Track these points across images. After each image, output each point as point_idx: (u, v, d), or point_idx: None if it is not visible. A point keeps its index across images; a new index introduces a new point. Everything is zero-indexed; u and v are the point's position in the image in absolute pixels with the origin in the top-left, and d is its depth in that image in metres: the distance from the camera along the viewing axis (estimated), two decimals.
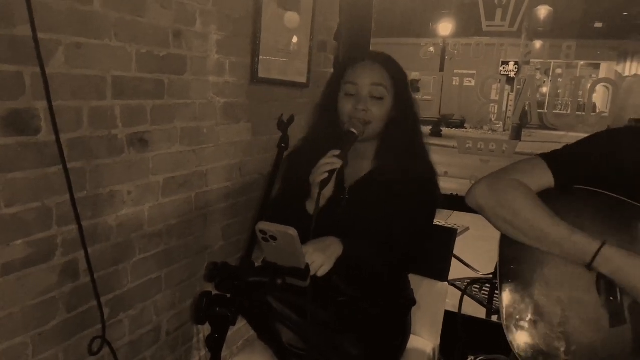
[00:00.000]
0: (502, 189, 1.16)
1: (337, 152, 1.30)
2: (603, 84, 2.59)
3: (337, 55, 2.62)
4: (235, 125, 1.93)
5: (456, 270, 2.37)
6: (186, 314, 1.80)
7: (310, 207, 1.31)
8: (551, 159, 1.18)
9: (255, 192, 2.09)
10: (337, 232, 1.36)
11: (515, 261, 1.17)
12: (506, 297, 1.15)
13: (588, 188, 1.14)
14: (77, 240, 1.33)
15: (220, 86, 1.82)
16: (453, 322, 2.12)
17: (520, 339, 1.12)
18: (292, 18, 2.18)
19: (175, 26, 1.57)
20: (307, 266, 1.05)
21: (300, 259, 1.03)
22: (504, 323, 1.14)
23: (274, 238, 1.00)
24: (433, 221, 1.49)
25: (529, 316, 1.12)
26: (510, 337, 1.13)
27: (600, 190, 1.13)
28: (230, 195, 1.96)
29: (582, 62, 14.47)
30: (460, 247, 2.03)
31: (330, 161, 1.28)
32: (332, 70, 2.61)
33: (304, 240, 1.15)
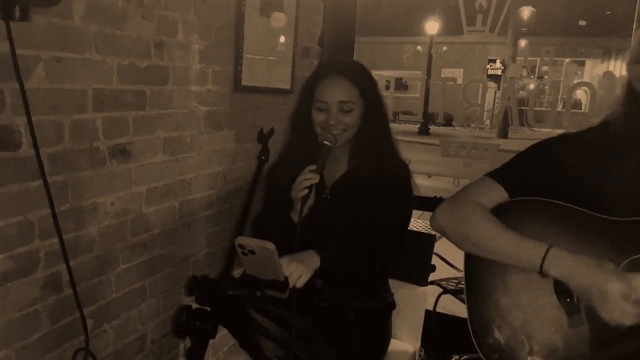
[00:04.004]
0: (459, 210, 1.23)
1: (314, 167, 1.36)
2: (583, 88, 2.64)
3: (321, 60, 2.64)
4: (218, 133, 1.95)
5: (441, 271, 2.42)
6: (171, 321, 1.82)
7: (295, 216, 1.37)
8: (497, 175, 1.24)
9: (239, 199, 2.11)
10: (321, 229, 1.43)
11: (479, 270, 1.23)
12: (472, 303, 1.22)
13: (540, 199, 1.20)
14: (60, 253, 1.34)
15: (203, 95, 1.83)
16: (440, 323, 2.19)
17: (486, 342, 1.19)
18: (275, 25, 2.20)
19: (157, 37, 1.59)
20: (286, 278, 1.08)
21: (278, 272, 1.06)
22: (470, 328, 1.20)
23: (252, 252, 1.02)
24: (411, 213, 1.56)
25: (494, 321, 1.19)
26: (476, 341, 1.20)
27: (550, 200, 1.19)
28: (214, 203, 1.98)
29: (567, 60, 14.64)
30: (444, 247, 2.08)
31: (308, 177, 1.35)
32: None
33: (292, 246, 1.20)
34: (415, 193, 1.57)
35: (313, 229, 1.37)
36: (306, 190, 1.32)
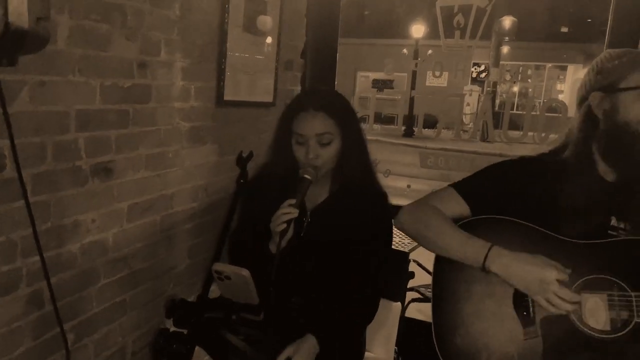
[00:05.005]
0: (420, 212, 1.37)
1: (293, 202, 1.38)
2: (554, 104, 2.73)
3: (304, 72, 2.69)
4: (201, 147, 1.99)
5: (421, 277, 2.50)
6: (152, 333, 1.85)
7: (273, 247, 1.39)
8: (460, 187, 1.36)
9: (221, 211, 2.15)
10: (300, 254, 1.47)
11: (446, 278, 1.33)
12: (437, 311, 1.31)
13: (497, 217, 1.29)
14: (42, 271, 1.37)
15: (185, 111, 1.87)
16: (421, 330, 2.24)
17: (448, 349, 1.27)
18: (261, 28, 2.23)
19: (140, 57, 1.62)
20: (260, 302, 1.13)
21: (253, 296, 1.11)
22: (434, 332, 1.29)
23: (228, 278, 1.08)
24: (391, 241, 1.60)
25: (456, 327, 1.27)
26: (439, 346, 1.29)
27: (507, 218, 1.28)
28: (196, 216, 2.02)
29: (549, 65, 14.92)
30: (423, 255, 2.15)
31: (287, 211, 1.36)
32: (299, 87, 2.69)
33: (269, 278, 1.24)
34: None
35: (292, 253, 1.40)
36: (284, 225, 1.34)
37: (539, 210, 1.27)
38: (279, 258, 1.29)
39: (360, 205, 1.52)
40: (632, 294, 1.17)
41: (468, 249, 1.26)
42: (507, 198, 1.30)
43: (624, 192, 1.23)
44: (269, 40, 2.31)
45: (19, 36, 0.85)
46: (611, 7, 2.15)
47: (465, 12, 2.62)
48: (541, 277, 1.16)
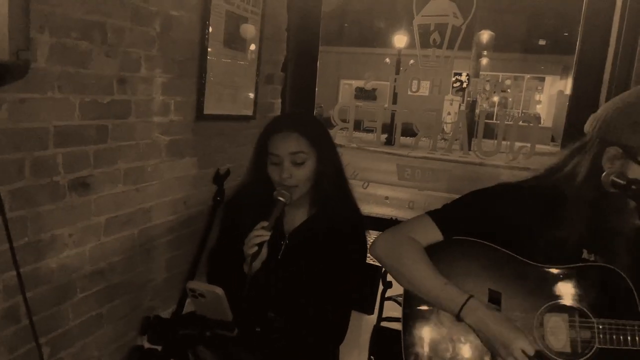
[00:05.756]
0: (395, 243, 1.37)
1: (266, 224, 1.42)
2: (526, 123, 2.82)
3: (284, 87, 2.73)
4: (180, 161, 2.01)
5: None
6: (128, 346, 1.87)
7: (246, 268, 1.42)
8: (436, 216, 1.37)
9: (201, 223, 2.17)
10: (278, 275, 1.51)
11: (416, 303, 1.35)
12: (407, 333, 1.33)
13: (472, 239, 1.33)
14: (18, 286, 1.38)
15: (165, 125, 1.89)
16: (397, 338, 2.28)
17: None
18: (245, 36, 2.27)
19: (120, 73, 1.65)
20: (234, 318, 1.16)
21: (227, 313, 1.14)
22: (404, 354, 1.31)
23: (202, 295, 1.11)
24: (365, 262, 1.65)
25: (425, 352, 1.31)
26: None
27: (481, 241, 1.32)
28: (174, 229, 2.04)
29: (528, 76, 15.27)
30: None
31: (259, 234, 1.40)
32: (279, 100, 2.73)
33: (239, 297, 1.27)
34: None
35: (272, 274, 1.46)
36: (256, 248, 1.38)
37: (511, 236, 1.31)
38: (250, 279, 1.33)
39: (336, 230, 1.56)
40: (594, 320, 1.23)
41: (444, 297, 1.27)
42: (480, 227, 1.33)
43: (595, 228, 1.27)
44: (249, 54, 2.35)
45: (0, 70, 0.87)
46: (581, 21, 2.23)
47: (441, 30, 2.69)
48: (508, 343, 1.19)
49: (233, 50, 2.23)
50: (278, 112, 2.72)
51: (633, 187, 1.09)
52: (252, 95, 2.44)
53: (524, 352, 1.18)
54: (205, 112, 2.10)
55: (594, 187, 1.23)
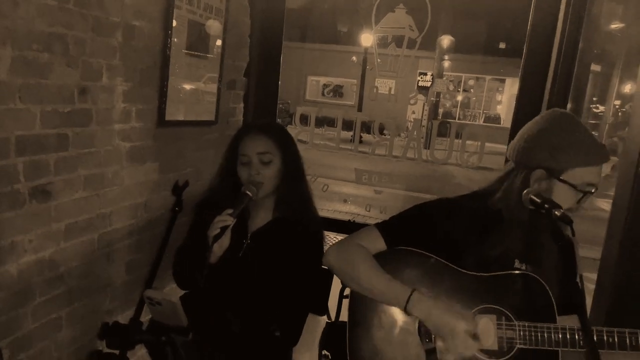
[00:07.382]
0: (345, 250, 1.49)
1: (230, 211, 1.55)
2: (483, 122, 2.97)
3: (246, 91, 2.80)
4: (141, 166, 2.06)
5: None
6: (88, 348, 1.91)
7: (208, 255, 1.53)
8: (382, 228, 1.50)
9: (161, 227, 2.21)
10: (238, 273, 1.62)
11: (360, 304, 1.46)
12: (351, 337, 1.44)
13: (411, 249, 1.46)
14: None
15: (126, 132, 1.94)
16: None
17: None
18: (210, 32, 2.32)
19: (81, 83, 1.68)
20: (189, 324, 1.24)
21: (182, 319, 1.22)
22: (349, 358, 1.42)
23: (159, 303, 1.18)
24: (320, 270, 1.74)
25: (368, 354, 1.42)
26: None
27: (418, 250, 1.45)
28: (134, 232, 2.08)
29: (489, 77, 15.76)
30: None
31: (223, 219, 1.53)
32: (241, 105, 2.80)
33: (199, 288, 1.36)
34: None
35: (233, 271, 1.57)
36: (218, 230, 1.50)
37: (448, 247, 1.44)
38: (209, 264, 1.42)
39: (297, 235, 1.70)
40: (516, 322, 1.37)
41: (390, 292, 1.39)
42: (420, 239, 1.46)
43: (527, 242, 1.42)
44: (212, 61, 2.40)
45: None
46: (528, 24, 2.38)
47: (398, 42, 2.81)
48: (452, 327, 1.31)
49: (195, 57, 2.29)
50: (240, 117, 2.79)
51: (546, 206, 1.23)
52: (214, 100, 2.49)
53: (467, 333, 1.31)
54: (167, 118, 2.15)
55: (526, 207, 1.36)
